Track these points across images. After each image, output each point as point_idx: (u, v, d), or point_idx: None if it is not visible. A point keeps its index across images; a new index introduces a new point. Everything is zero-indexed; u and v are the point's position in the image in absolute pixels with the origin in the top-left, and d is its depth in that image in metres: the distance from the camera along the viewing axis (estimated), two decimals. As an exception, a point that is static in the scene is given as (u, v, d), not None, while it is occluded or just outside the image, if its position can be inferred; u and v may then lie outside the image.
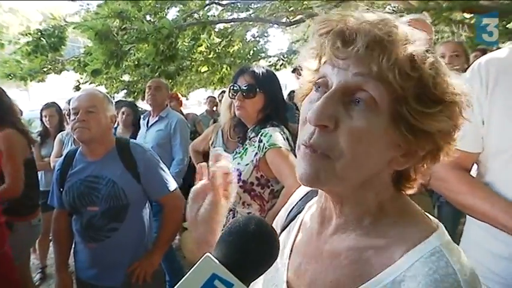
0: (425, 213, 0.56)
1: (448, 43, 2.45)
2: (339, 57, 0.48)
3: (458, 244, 0.53)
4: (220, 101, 5.03)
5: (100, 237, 1.67)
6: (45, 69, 6.54)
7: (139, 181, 1.70)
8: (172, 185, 1.78)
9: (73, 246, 1.85)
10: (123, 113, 3.64)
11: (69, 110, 3.16)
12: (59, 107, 3.78)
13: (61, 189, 1.74)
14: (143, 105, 7.24)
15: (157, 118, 3.21)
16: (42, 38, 5.54)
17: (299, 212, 0.69)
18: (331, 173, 0.49)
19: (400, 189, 0.56)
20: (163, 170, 1.78)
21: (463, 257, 0.49)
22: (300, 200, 0.71)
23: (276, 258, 0.51)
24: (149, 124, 3.26)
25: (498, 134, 1.09)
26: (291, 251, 0.64)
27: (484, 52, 4.75)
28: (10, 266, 1.83)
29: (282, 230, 0.70)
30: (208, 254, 0.48)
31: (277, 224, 0.74)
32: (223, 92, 5.85)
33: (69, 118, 3.14)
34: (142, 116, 3.48)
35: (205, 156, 2.88)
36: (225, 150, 2.41)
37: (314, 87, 0.53)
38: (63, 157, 1.84)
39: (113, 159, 1.71)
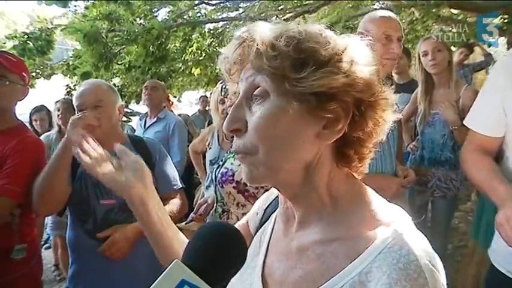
0: (384, 199, 0.58)
1: (428, 40, 2.47)
2: (231, 72, 0.59)
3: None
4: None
5: None
6: (33, 74, 6.43)
7: (153, 172, 1.61)
8: (181, 183, 1.75)
9: (71, 262, 1.64)
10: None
11: (58, 109, 3.12)
12: (49, 110, 3.72)
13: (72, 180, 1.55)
14: (135, 107, 7.19)
15: (155, 119, 3.22)
16: (29, 41, 5.43)
17: (274, 210, 0.70)
18: (261, 166, 0.54)
19: (348, 171, 0.58)
20: (174, 167, 1.75)
21: (423, 243, 0.51)
22: (275, 198, 0.73)
23: (244, 262, 0.52)
24: (146, 125, 3.26)
25: None
26: (267, 249, 0.65)
27: (469, 48, 4.81)
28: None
29: (258, 228, 0.72)
30: (177, 259, 0.48)
31: (254, 219, 0.76)
32: (203, 96, 5.85)
33: (59, 118, 3.11)
34: (139, 117, 3.50)
35: (203, 156, 2.91)
36: (219, 151, 2.39)
37: None
38: None
39: (129, 149, 1.61)
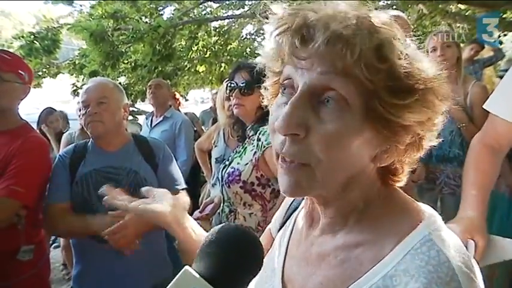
0: (414, 200, 0.54)
1: (436, 36, 2.41)
2: (300, 57, 0.46)
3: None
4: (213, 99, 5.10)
5: None
6: (40, 74, 6.48)
7: (156, 173, 1.62)
8: (184, 183, 1.73)
9: (74, 262, 1.63)
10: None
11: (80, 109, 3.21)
12: (58, 110, 3.83)
13: (71, 182, 1.54)
14: (141, 106, 7.21)
15: (161, 118, 3.22)
16: (35, 41, 5.47)
17: (295, 210, 0.67)
18: (313, 180, 0.47)
19: (388, 183, 0.54)
20: (177, 167, 1.74)
21: (455, 242, 0.47)
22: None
23: (259, 269, 0.48)
24: (152, 124, 3.27)
25: None
26: (286, 251, 0.62)
27: (480, 43, 4.74)
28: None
29: (281, 226, 0.69)
30: (187, 266, 0.46)
31: (275, 223, 0.73)
32: (215, 94, 5.88)
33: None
34: (145, 116, 3.54)
35: (209, 154, 2.91)
36: (225, 149, 2.37)
37: (280, 89, 0.51)
38: (72, 146, 1.67)
39: (132, 150, 1.62)
